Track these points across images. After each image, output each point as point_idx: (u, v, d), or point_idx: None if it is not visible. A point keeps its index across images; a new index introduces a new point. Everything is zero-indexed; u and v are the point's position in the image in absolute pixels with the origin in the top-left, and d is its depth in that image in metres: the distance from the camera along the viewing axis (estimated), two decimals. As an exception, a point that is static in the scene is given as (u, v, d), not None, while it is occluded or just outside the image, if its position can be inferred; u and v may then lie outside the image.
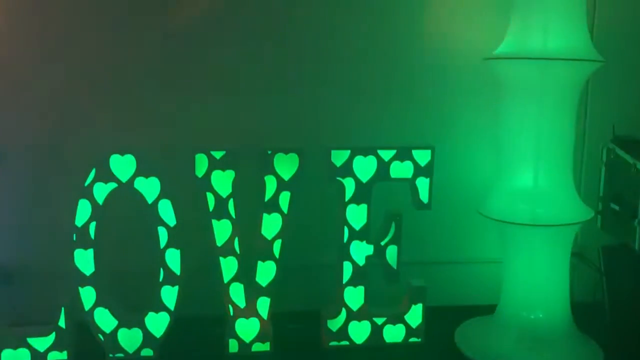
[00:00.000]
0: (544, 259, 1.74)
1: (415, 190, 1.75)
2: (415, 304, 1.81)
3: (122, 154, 1.64)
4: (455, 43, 1.95)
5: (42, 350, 1.67)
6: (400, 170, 1.74)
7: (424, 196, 1.76)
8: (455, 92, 1.97)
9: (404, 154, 1.73)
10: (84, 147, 1.73)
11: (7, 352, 1.66)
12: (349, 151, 1.71)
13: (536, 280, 1.75)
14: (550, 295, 1.76)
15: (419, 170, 1.74)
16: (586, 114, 2.01)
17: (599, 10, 1.97)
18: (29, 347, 1.67)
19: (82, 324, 1.70)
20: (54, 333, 1.68)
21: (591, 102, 2.01)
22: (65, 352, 1.68)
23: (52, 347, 1.68)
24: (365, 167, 1.72)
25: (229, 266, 1.72)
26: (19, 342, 1.66)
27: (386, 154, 1.73)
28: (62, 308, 1.67)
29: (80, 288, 1.67)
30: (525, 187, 1.72)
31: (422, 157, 1.74)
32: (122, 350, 1.72)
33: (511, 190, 1.74)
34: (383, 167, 1.73)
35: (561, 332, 1.76)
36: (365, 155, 1.72)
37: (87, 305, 1.68)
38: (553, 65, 1.62)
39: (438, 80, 1.96)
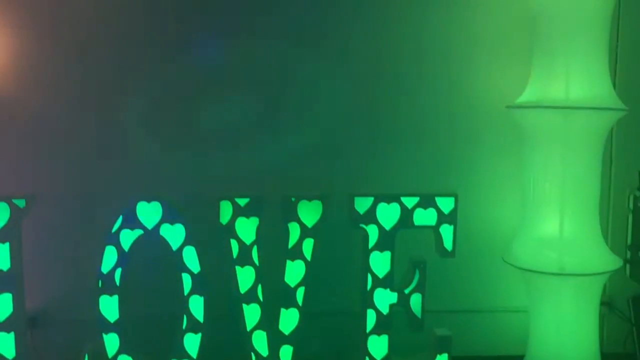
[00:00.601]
0: (572, 308, 1.71)
1: (439, 238, 1.74)
2: (440, 353, 1.78)
3: (148, 200, 1.66)
4: (479, 91, 1.96)
5: (64, 397, 1.67)
6: (424, 217, 1.73)
7: (448, 244, 1.75)
8: (479, 140, 1.97)
9: (427, 202, 1.73)
10: (111, 194, 1.76)
11: (30, 399, 1.66)
12: (372, 198, 1.72)
13: (564, 331, 1.71)
14: (579, 346, 1.72)
15: (442, 218, 1.73)
16: (611, 161, 2.00)
17: (621, 57, 1.98)
18: (52, 394, 1.67)
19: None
20: (77, 380, 1.67)
21: (616, 149, 2.00)
22: (87, 399, 1.68)
23: (75, 394, 1.67)
24: (388, 215, 1.72)
25: (252, 313, 1.71)
26: (42, 389, 1.67)
27: (409, 201, 1.73)
28: (86, 355, 1.67)
29: (104, 334, 1.68)
30: (552, 235, 1.70)
31: (446, 204, 1.73)
32: (144, 398, 1.70)
33: (537, 238, 1.72)
34: (406, 215, 1.73)
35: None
36: (388, 202, 1.72)
37: (111, 352, 1.68)
38: (576, 113, 1.62)
39: (462, 127, 1.97)
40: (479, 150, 1.98)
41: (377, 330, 1.75)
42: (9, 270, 1.63)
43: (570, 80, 1.66)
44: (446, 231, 1.74)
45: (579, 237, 1.70)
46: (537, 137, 1.72)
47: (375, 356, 1.75)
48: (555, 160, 1.69)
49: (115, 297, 1.67)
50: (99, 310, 1.67)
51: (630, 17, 1.97)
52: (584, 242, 1.69)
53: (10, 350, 1.64)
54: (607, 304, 2.01)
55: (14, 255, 1.63)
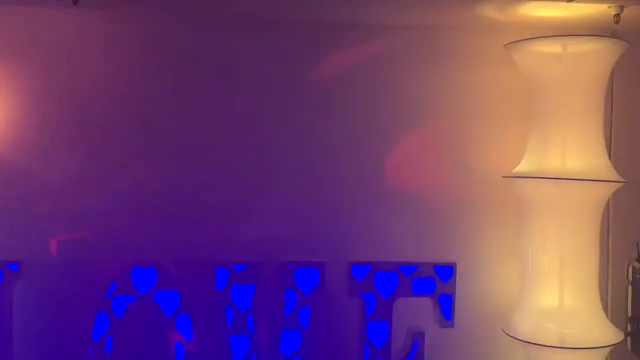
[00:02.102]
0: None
1: (437, 307, 1.72)
2: None
3: (144, 265, 1.65)
4: (476, 161, 1.97)
5: None
6: (422, 286, 1.72)
7: (446, 313, 1.73)
8: (477, 209, 1.97)
9: (425, 270, 1.72)
10: (104, 259, 1.74)
11: None
12: (370, 266, 1.71)
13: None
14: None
15: (441, 286, 1.72)
16: (608, 232, 1.99)
17: (616, 129, 2.00)
18: None
19: None
20: None
21: (613, 220, 2.00)
22: None
23: None
24: (386, 283, 1.71)
25: (246, 384, 1.67)
26: None
27: (407, 269, 1.72)
28: None
29: (92, 404, 1.63)
30: (551, 307, 1.68)
31: (444, 273, 1.73)
32: None
33: (536, 309, 1.70)
34: (404, 283, 1.71)
35: None
36: (386, 270, 1.71)
37: (99, 423, 1.63)
38: (572, 185, 1.63)
39: (460, 196, 1.97)
40: (477, 219, 1.97)
41: (374, 402, 1.71)
42: (-2, 336, 1.59)
43: (566, 151, 1.67)
44: (445, 300, 1.72)
45: (579, 309, 1.67)
46: (534, 207, 1.72)
47: None
48: (553, 230, 1.68)
49: (106, 365, 1.63)
50: (89, 379, 1.63)
51: (624, 89, 2.00)
52: (584, 314, 1.67)
53: (-6, 421, 1.59)
54: (608, 377, 1.96)
55: (4, 320, 1.61)
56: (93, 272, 1.76)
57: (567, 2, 1.57)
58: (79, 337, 1.65)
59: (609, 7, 1.61)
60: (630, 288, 1.88)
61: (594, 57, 1.69)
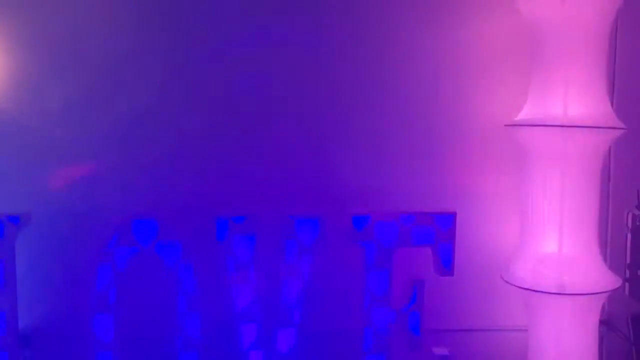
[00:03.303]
0: (570, 327, 1.70)
1: (437, 256, 1.73)
2: (439, 373, 1.77)
3: (144, 218, 1.65)
4: (477, 109, 1.96)
5: (57, 418, 1.65)
6: (422, 235, 1.72)
7: (446, 262, 1.73)
8: (477, 158, 1.96)
9: (425, 219, 1.72)
10: (106, 211, 1.75)
11: (23, 420, 1.64)
12: (370, 216, 1.71)
13: (563, 350, 1.70)
14: (577, 365, 1.70)
15: (441, 236, 1.72)
16: (609, 179, 1.99)
17: (619, 76, 1.98)
18: (45, 414, 1.64)
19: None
20: (70, 400, 1.65)
21: (614, 167, 2.00)
22: (80, 420, 1.65)
23: (68, 415, 1.65)
24: (386, 232, 1.71)
25: (248, 332, 1.70)
26: (35, 410, 1.64)
27: (407, 219, 1.72)
28: (80, 374, 1.65)
29: (98, 353, 1.65)
30: (550, 254, 1.69)
31: (444, 222, 1.72)
32: (138, 418, 1.68)
33: (536, 256, 1.71)
34: (404, 232, 1.72)
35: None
36: (386, 220, 1.71)
37: (105, 372, 1.66)
38: (574, 132, 1.62)
39: (460, 146, 1.96)
40: (478, 168, 1.97)
41: (375, 349, 1.73)
42: (2, 288, 1.61)
43: (568, 98, 1.66)
44: (444, 249, 1.73)
45: (578, 256, 1.68)
46: (535, 155, 1.71)
47: (373, 376, 1.74)
48: (553, 178, 1.68)
49: (110, 316, 1.65)
50: (93, 330, 1.65)
51: (629, 35, 1.97)
52: (583, 261, 1.68)
53: (2, 370, 1.62)
54: (606, 323, 1.99)
55: (8, 274, 1.61)
56: (94, 224, 1.78)
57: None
58: (83, 288, 1.66)
59: (615, -52, 1.57)
60: (629, 235, 1.89)
61: (598, 1, 1.65)
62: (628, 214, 1.90)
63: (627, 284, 1.88)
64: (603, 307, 1.79)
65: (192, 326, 1.67)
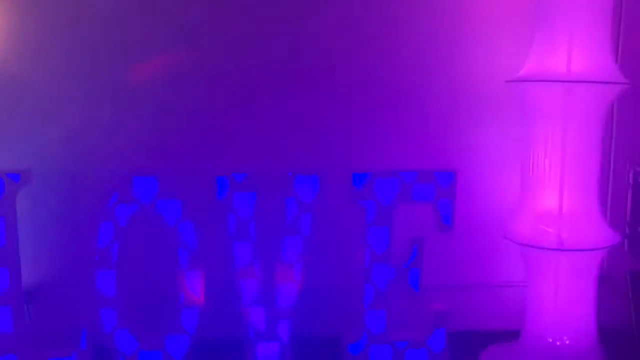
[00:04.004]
0: (569, 283, 1.71)
1: (437, 213, 1.73)
2: (438, 328, 1.78)
3: (143, 175, 1.65)
4: (478, 65, 1.93)
5: (62, 372, 1.68)
6: (422, 192, 1.72)
7: (446, 219, 1.74)
8: (478, 115, 1.95)
9: (425, 177, 1.72)
10: (106, 168, 1.75)
11: (29, 373, 1.67)
12: (370, 174, 1.70)
13: (561, 306, 1.71)
14: (576, 321, 1.72)
15: (441, 193, 1.72)
16: (612, 136, 1.98)
17: (624, 30, 1.95)
18: (50, 368, 1.67)
19: (103, 346, 1.70)
20: (74, 354, 1.68)
21: (617, 124, 1.98)
22: (85, 374, 1.68)
23: (73, 369, 1.68)
24: (386, 190, 1.71)
25: (249, 289, 1.71)
26: (40, 363, 1.67)
27: (408, 176, 1.71)
28: (83, 329, 1.67)
29: (100, 310, 1.68)
30: (550, 210, 1.69)
31: (444, 179, 1.72)
32: (142, 372, 1.71)
33: (536, 213, 1.71)
34: (405, 190, 1.71)
35: (587, 358, 1.72)
36: (386, 177, 1.71)
37: (108, 327, 1.68)
38: (577, 87, 1.60)
39: (461, 102, 1.94)
40: (479, 125, 1.96)
41: (375, 305, 1.75)
42: (4, 245, 1.62)
43: (572, 53, 1.63)
44: (445, 206, 1.73)
45: (578, 212, 1.69)
46: (537, 112, 1.70)
47: (372, 332, 1.76)
48: (555, 135, 1.67)
49: (112, 273, 1.66)
50: (95, 286, 1.67)
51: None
52: (583, 217, 1.69)
53: (7, 325, 1.64)
54: (604, 279, 2.00)
55: (9, 230, 1.62)
56: (94, 182, 1.78)
57: None
58: (84, 246, 1.67)
59: None
60: (630, 192, 1.89)
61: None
62: (629, 170, 1.89)
63: (626, 241, 1.89)
64: (602, 263, 1.80)
65: (193, 283, 1.69)
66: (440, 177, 1.71)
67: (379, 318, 1.75)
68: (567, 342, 1.72)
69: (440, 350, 1.79)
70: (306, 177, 1.68)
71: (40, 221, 1.90)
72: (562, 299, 1.71)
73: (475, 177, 1.94)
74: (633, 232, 1.88)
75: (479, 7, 1.91)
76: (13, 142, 1.86)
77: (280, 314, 1.73)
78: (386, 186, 1.71)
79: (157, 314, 1.71)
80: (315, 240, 1.70)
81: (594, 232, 1.69)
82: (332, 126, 1.94)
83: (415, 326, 1.79)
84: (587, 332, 1.73)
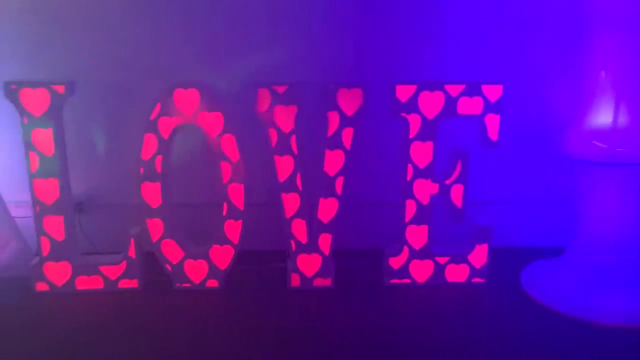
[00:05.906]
0: (618, 199, 1.66)
1: (483, 128, 1.68)
2: (480, 244, 1.78)
3: (185, 87, 1.64)
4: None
5: (113, 279, 1.75)
6: (469, 106, 1.67)
7: (493, 134, 1.69)
8: (528, 25, 1.85)
9: (473, 90, 1.66)
10: (150, 81, 1.74)
11: (82, 279, 1.74)
12: (415, 86, 1.65)
13: (608, 222, 1.67)
14: (622, 237, 1.68)
15: (488, 107, 1.66)
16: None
17: None
18: (102, 275, 1.74)
19: (151, 254, 1.75)
20: (124, 262, 1.74)
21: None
22: (135, 281, 1.75)
23: (123, 276, 1.75)
24: (431, 103, 1.66)
25: (291, 202, 1.72)
26: (92, 270, 1.74)
27: (454, 89, 1.66)
28: (132, 239, 1.73)
29: (148, 219, 1.72)
30: (603, 125, 1.62)
31: (493, 92, 1.66)
32: (188, 280, 1.77)
33: (588, 128, 1.64)
34: (450, 103, 1.66)
35: (633, 275, 1.69)
36: (432, 90, 1.65)
37: (155, 237, 1.73)
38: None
39: (510, 15, 1.84)
40: (527, 36, 1.86)
41: (417, 220, 1.74)
42: (53, 155, 1.65)
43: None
44: (492, 121, 1.68)
45: (631, 127, 1.61)
46: (593, 23, 1.60)
47: (414, 246, 1.76)
48: (610, 49, 1.57)
49: (157, 184, 1.69)
50: (142, 197, 1.70)
51: None
52: (636, 132, 1.61)
53: (59, 233, 1.71)
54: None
55: (58, 141, 1.65)
56: (137, 94, 1.78)
57: None
58: (130, 157, 1.70)
59: None
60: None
61: None
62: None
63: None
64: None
65: (236, 195, 1.70)
66: (488, 90, 1.65)
67: (420, 233, 1.75)
68: (613, 258, 1.68)
69: (481, 266, 1.79)
70: (349, 90, 1.65)
71: (87, 134, 1.93)
72: (611, 214, 1.66)
73: (523, 90, 1.86)
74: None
75: None
76: (58, 53, 1.87)
77: (322, 227, 1.74)
78: (431, 99, 1.66)
79: (201, 225, 1.75)
80: (357, 153, 1.68)
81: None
82: (377, 37, 1.87)
83: (457, 242, 1.79)
84: (632, 246, 1.69)
